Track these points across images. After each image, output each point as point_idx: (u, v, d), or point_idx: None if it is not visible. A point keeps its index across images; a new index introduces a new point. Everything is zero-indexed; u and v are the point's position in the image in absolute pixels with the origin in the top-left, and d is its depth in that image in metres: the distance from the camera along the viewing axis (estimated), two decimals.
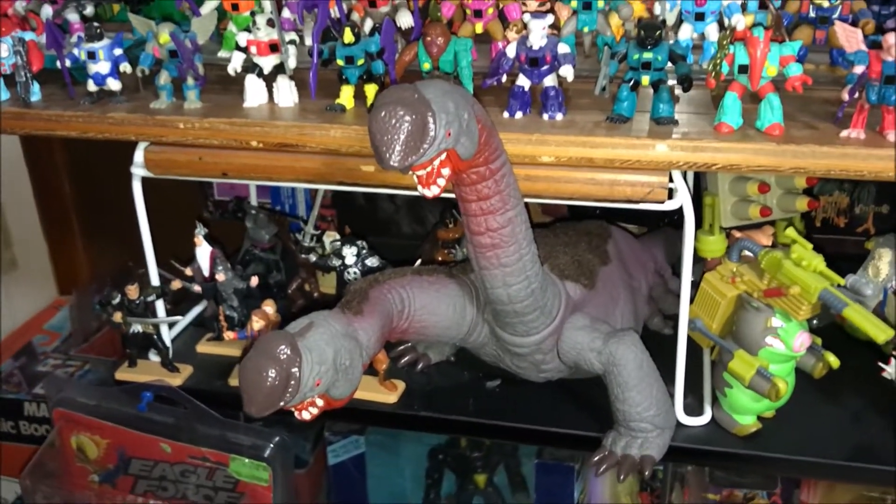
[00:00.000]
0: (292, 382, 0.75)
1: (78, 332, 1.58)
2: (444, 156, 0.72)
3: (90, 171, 1.65)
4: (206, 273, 1.14)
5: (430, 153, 0.70)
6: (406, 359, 1.13)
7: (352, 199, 1.47)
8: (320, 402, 0.80)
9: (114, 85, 1.01)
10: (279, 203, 1.48)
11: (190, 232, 1.11)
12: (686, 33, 0.92)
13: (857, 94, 0.82)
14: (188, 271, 1.14)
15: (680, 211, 0.89)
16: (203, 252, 1.13)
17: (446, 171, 0.73)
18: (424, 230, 1.46)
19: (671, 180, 0.88)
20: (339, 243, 1.14)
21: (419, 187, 0.74)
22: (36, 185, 1.70)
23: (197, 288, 1.14)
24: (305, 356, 0.76)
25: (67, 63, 1.01)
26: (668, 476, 1.30)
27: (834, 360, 0.94)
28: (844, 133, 0.83)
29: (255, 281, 1.14)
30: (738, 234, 1.08)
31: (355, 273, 1.12)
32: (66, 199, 1.71)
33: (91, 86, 1.01)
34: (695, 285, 0.98)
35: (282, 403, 0.75)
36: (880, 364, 0.97)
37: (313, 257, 1.17)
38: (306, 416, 0.80)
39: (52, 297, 1.73)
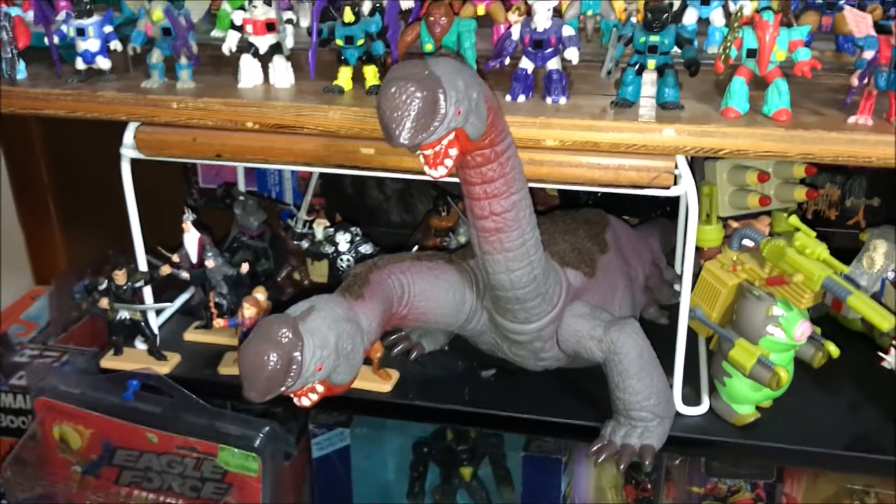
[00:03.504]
0: (294, 367, 0.73)
1: (57, 321, 1.53)
2: (452, 135, 0.70)
3: (69, 159, 1.61)
4: (195, 259, 1.11)
5: (440, 131, 0.68)
6: (400, 347, 1.11)
7: (341, 187, 1.45)
8: (321, 388, 0.78)
9: (103, 63, 0.98)
10: (266, 190, 1.45)
11: (173, 222, 1.08)
12: (691, 18, 0.91)
13: (865, 80, 0.81)
14: (175, 258, 1.11)
15: (673, 201, 0.88)
16: (191, 238, 1.11)
17: (454, 152, 0.71)
18: (414, 219, 1.44)
19: (676, 167, 0.87)
20: (332, 230, 1.12)
21: (426, 167, 0.72)
22: (13, 174, 1.65)
23: (185, 275, 1.11)
24: (307, 340, 0.74)
25: (55, 40, 0.98)
26: (661, 470, 1.29)
27: (834, 350, 0.94)
28: (852, 119, 0.82)
29: (245, 267, 1.11)
30: (734, 224, 1.07)
31: (348, 260, 1.10)
32: (43, 188, 1.67)
33: (80, 64, 0.98)
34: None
35: (283, 388, 0.73)
36: (880, 353, 0.97)
37: (306, 244, 1.15)
38: (306, 402, 0.78)
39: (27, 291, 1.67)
